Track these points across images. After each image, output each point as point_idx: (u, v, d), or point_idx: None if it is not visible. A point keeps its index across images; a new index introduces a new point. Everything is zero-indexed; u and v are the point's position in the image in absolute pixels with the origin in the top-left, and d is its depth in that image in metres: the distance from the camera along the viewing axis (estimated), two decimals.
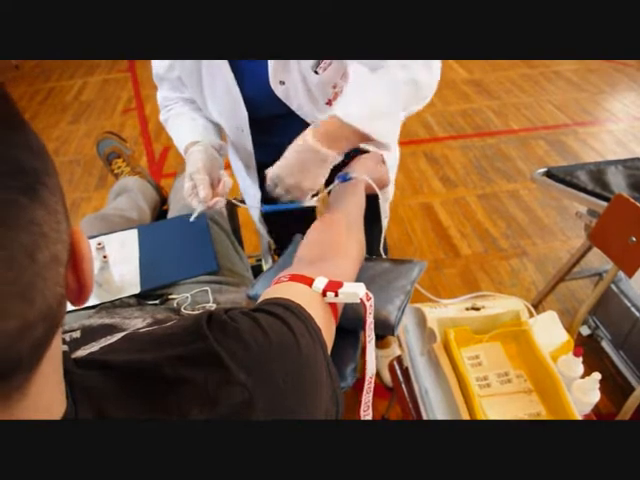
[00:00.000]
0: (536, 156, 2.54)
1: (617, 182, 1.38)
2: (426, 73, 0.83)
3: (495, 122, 2.86)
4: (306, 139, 0.77)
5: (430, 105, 0.91)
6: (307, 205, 0.83)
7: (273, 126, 0.96)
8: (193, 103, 0.99)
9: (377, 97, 0.79)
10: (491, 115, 2.92)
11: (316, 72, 0.85)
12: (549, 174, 1.41)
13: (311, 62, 0.84)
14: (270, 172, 0.79)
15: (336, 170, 0.88)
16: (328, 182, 0.87)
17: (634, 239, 1.07)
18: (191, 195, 0.83)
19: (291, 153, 0.78)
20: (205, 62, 0.86)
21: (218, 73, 0.86)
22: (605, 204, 1.20)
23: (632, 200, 1.08)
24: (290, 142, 0.81)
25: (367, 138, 0.80)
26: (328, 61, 0.85)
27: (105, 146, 1.47)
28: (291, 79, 0.86)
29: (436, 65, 0.84)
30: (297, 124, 0.89)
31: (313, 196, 0.84)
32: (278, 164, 0.79)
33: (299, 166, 0.77)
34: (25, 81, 3.81)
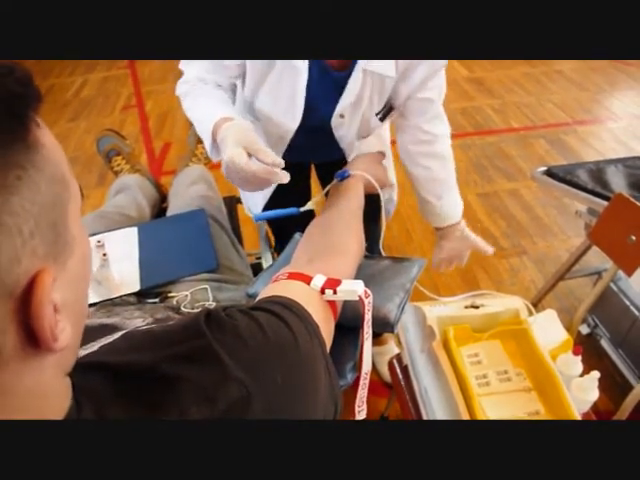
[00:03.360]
0: (536, 155, 2.54)
1: (617, 181, 1.38)
2: None
3: (495, 120, 2.85)
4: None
5: None
6: (304, 210, 0.84)
7: (307, 142, 0.95)
8: (226, 92, 0.90)
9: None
10: (491, 113, 2.92)
11: (381, 120, 0.93)
12: (549, 173, 1.41)
13: (380, 110, 0.91)
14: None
15: (336, 169, 0.88)
16: (326, 182, 0.87)
17: (633, 238, 1.07)
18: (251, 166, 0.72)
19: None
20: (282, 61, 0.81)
21: (291, 75, 0.81)
22: (605, 203, 1.20)
23: (632, 199, 1.08)
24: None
25: None
26: (396, 112, 0.94)
27: (105, 143, 1.47)
28: (353, 116, 0.89)
29: None
30: (327, 144, 0.95)
31: (308, 201, 0.85)
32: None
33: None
34: None
